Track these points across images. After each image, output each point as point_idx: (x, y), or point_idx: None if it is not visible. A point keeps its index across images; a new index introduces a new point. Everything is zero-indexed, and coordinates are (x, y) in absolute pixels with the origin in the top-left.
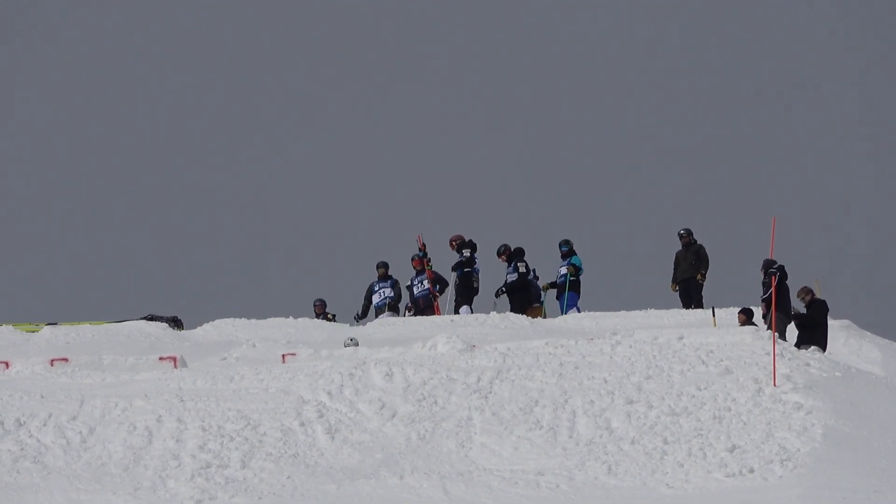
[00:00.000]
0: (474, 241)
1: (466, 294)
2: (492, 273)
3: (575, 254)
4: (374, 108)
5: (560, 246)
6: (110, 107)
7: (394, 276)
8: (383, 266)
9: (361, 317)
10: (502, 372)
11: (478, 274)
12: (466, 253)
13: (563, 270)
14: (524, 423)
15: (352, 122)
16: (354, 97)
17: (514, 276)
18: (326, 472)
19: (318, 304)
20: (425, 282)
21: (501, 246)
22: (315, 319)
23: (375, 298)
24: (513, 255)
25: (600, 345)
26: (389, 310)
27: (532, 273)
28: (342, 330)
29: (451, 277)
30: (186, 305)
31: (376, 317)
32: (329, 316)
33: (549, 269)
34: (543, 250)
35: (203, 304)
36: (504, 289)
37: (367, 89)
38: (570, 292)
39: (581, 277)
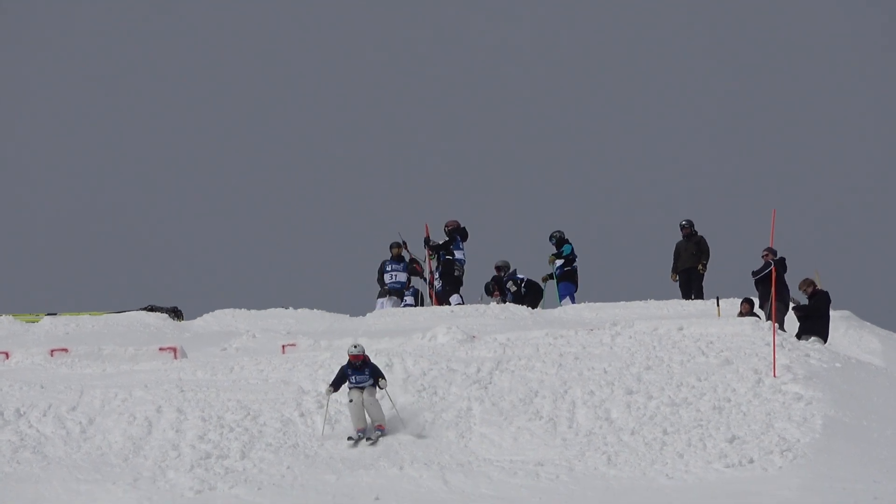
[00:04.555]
0: (466, 229)
1: (452, 283)
2: (475, 266)
3: (567, 242)
4: (374, 100)
5: (549, 238)
6: (109, 99)
7: (406, 259)
8: (397, 246)
9: (382, 295)
10: (502, 363)
11: (462, 264)
12: (437, 241)
13: (559, 262)
14: (524, 414)
15: (349, 113)
16: (355, 89)
17: (510, 296)
18: (326, 462)
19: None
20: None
21: (504, 268)
22: (314, 311)
23: (387, 278)
24: (501, 279)
25: (600, 335)
26: (395, 295)
27: (520, 285)
28: (342, 321)
29: (423, 253)
30: (186, 296)
31: (387, 296)
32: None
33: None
34: (544, 240)
35: (203, 295)
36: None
37: (367, 82)
38: (564, 282)
39: (577, 267)
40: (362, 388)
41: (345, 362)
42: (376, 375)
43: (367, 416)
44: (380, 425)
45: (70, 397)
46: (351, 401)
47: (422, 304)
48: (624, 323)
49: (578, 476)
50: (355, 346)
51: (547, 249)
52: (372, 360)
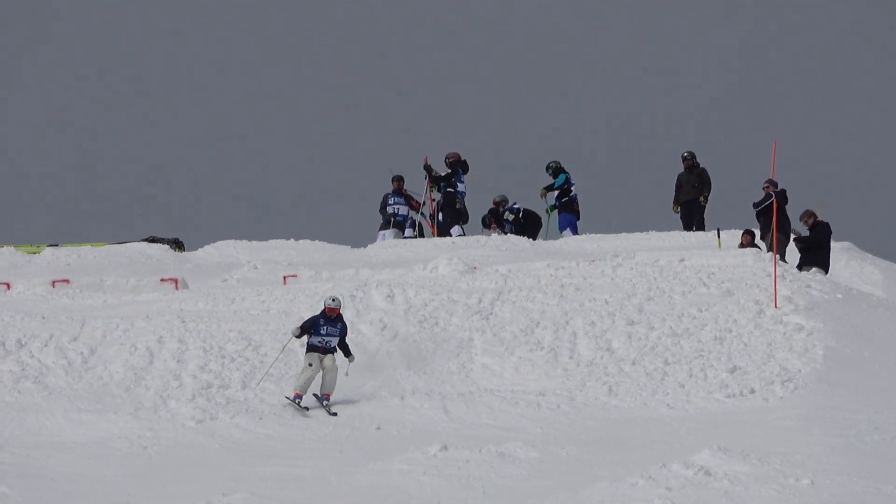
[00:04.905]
0: (467, 162)
1: (453, 214)
2: (474, 199)
3: (563, 172)
4: (377, 31)
5: (546, 169)
6: (111, 34)
7: (407, 192)
8: (398, 179)
9: (384, 227)
10: (503, 293)
11: (463, 197)
12: (439, 173)
13: (552, 194)
14: (525, 345)
15: (351, 44)
16: (355, 20)
17: (509, 227)
18: None
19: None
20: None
21: (503, 203)
22: (316, 242)
23: (389, 211)
24: (498, 212)
25: (601, 266)
26: (396, 227)
27: (518, 215)
28: (343, 252)
29: (424, 184)
30: (188, 227)
31: (390, 227)
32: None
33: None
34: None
35: (204, 226)
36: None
37: (367, 12)
38: (564, 213)
39: (577, 197)
40: (324, 353)
41: (345, 291)
42: (344, 335)
43: (315, 383)
44: (327, 394)
45: (71, 328)
46: (310, 364)
47: (420, 236)
48: (625, 254)
49: (579, 406)
50: (333, 300)
51: (545, 181)
52: (374, 289)
